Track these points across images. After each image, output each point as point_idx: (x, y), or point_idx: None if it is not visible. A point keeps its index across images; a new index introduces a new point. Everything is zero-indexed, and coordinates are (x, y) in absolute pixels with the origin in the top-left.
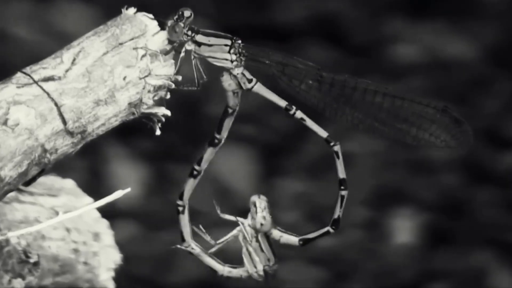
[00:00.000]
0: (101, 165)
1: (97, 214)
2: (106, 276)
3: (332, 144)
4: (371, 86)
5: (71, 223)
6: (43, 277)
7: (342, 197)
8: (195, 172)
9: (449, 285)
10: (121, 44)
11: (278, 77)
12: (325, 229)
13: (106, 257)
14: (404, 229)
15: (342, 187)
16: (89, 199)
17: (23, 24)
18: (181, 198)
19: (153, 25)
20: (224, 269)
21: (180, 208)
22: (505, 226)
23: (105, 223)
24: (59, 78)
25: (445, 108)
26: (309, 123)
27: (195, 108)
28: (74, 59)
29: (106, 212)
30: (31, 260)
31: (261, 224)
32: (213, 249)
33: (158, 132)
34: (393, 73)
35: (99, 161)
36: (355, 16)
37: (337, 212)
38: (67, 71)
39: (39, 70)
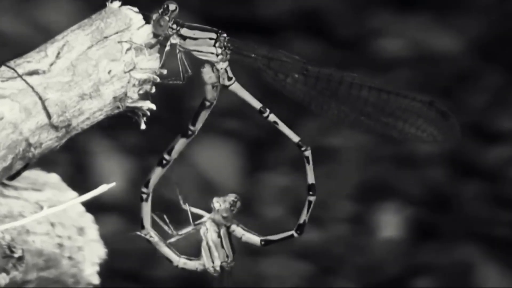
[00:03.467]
0: (85, 159)
1: (82, 209)
2: (90, 271)
3: (303, 149)
4: (357, 80)
5: (56, 218)
6: (28, 272)
7: (310, 202)
8: (164, 162)
9: (435, 280)
10: (105, 37)
11: (264, 70)
12: (290, 233)
13: (91, 252)
14: (390, 223)
15: (311, 193)
16: (73, 194)
17: (7, 18)
18: (146, 185)
19: (138, 18)
20: (179, 260)
21: (144, 196)
22: (491, 220)
23: (89, 217)
24: (44, 72)
25: (431, 101)
26: (282, 127)
27: (180, 102)
28: (58, 53)
29: (91, 206)
30: (16, 255)
31: (223, 217)
32: (172, 239)
33: (143, 126)
34: (379, 66)
35: (84, 156)
36: (340, 9)
37: (303, 217)
38: (51, 65)
39: (23, 64)
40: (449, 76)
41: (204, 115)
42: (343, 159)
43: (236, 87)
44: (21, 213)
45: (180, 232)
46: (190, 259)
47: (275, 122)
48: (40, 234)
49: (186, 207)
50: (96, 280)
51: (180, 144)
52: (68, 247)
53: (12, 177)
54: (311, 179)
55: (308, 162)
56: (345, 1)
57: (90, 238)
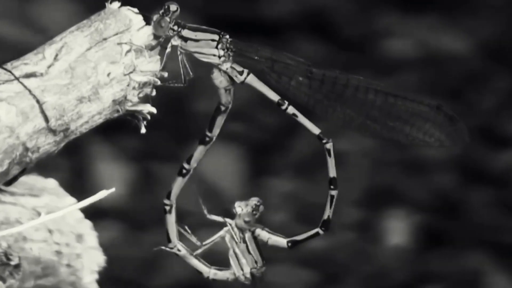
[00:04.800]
0: (84, 164)
1: (81, 215)
2: (89, 278)
3: (324, 141)
4: (363, 83)
5: (54, 224)
6: (25, 280)
7: (332, 197)
8: (184, 171)
9: None
10: (105, 39)
11: (267, 73)
12: (315, 231)
13: (90, 259)
14: (397, 230)
15: (332, 187)
16: (72, 200)
17: (4, 19)
18: (168, 197)
19: (138, 19)
20: (210, 271)
21: (167, 208)
22: (500, 227)
23: (88, 224)
24: (41, 74)
25: (439, 105)
26: (301, 119)
27: (182, 105)
28: (56, 55)
29: (90, 212)
30: (12, 263)
31: (245, 221)
32: (199, 251)
33: (143, 130)
34: (385, 68)
35: (83, 160)
36: (346, 9)
37: (327, 213)
38: (49, 67)
39: (21, 66)
40: (457, 78)
41: (220, 120)
42: (349, 164)
43: (252, 79)
44: (18, 220)
45: (205, 242)
46: (221, 269)
47: (294, 115)
48: (37, 241)
49: (210, 216)
50: None
51: (199, 151)
52: (66, 255)
53: (9, 183)
54: (332, 172)
55: (330, 155)
56: (351, 0)
57: (89, 245)
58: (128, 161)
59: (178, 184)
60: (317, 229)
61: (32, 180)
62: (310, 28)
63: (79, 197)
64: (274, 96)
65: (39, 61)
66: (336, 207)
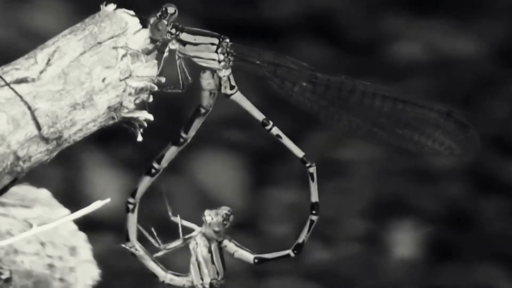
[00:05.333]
0: (78, 174)
1: (74, 227)
2: None
3: (307, 165)
4: (370, 88)
5: (46, 237)
6: None
7: (312, 222)
8: (153, 170)
9: None
10: (99, 43)
11: (270, 78)
12: (286, 252)
13: (84, 273)
14: (405, 242)
15: (314, 212)
16: (65, 211)
17: None
18: (133, 195)
19: (134, 22)
20: (166, 276)
21: (130, 206)
22: None
23: (82, 236)
24: (33, 80)
25: (449, 112)
26: (286, 141)
27: (180, 112)
28: (49, 60)
29: (84, 224)
30: (3, 277)
31: (215, 231)
32: (159, 253)
33: (140, 138)
34: (394, 73)
35: (76, 170)
36: (352, 11)
37: (302, 237)
38: (41, 72)
39: (11, 72)
40: (469, 83)
41: (198, 123)
42: (355, 173)
43: (238, 97)
44: (9, 232)
45: (168, 246)
46: (178, 275)
47: (278, 136)
48: (29, 254)
49: (175, 219)
50: None
51: (170, 152)
52: (59, 268)
53: None
54: (314, 197)
55: (313, 179)
56: (358, 2)
57: (82, 258)
58: (124, 171)
59: (145, 183)
60: (289, 251)
61: (23, 190)
62: (314, 31)
63: (73, 208)
64: (259, 115)
65: (30, 66)
66: (341, 218)
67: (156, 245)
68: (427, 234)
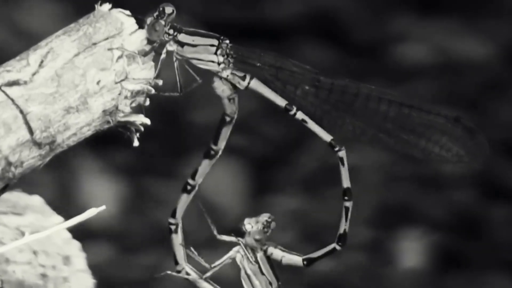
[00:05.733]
0: (72, 180)
1: (68, 235)
2: None
3: (337, 149)
4: (374, 92)
5: (39, 245)
6: None
7: (347, 208)
8: (189, 187)
9: None
10: (94, 44)
11: (271, 81)
12: (331, 246)
13: (78, 283)
14: (411, 251)
15: (346, 198)
16: (58, 218)
17: None
18: (173, 215)
19: (131, 23)
20: None
21: (173, 227)
22: None
23: (76, 245)
24: (25, 82)
25: (457, 117)
26: (311, 125)
27: (178, 116)
28: (41, 61)
29: (78, 232)
30: None
31: (256, 239)
32: (208, 273)
33: (136, 143)
34: (399, 76)
35: (70, 176)
36: (356, 12)
37: (343, 226)
38: (33, 74)
39: (3, 74)
40: (477, 86)
41: (226, 132)
42: (360, 180)
43: (256, 84)
44: (0, 240)
45: (214, 264)
46: None
47: (304, 120)
48: (21, 264)
49: (220, 237)
50: None
51: (204, 166)
52: (52, 278)
53: None
54: (346, 182)
55: (343, 164)
56: (362, 2)
57: (77, 267)
58: (120, 177)
59: (184, 201)
60: (334, 245)
61: (15, 197)
62: (317, 32)
63: (66, 215)
64: (281, 101)
65: (22, 68)
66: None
67: (204, 264)
68: (435, 243)
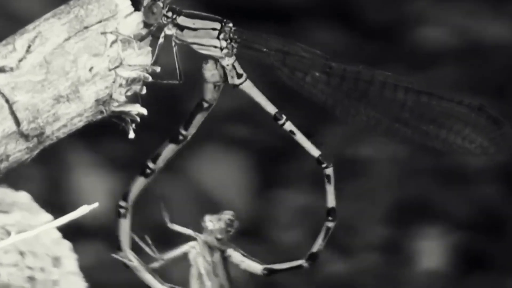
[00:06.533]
0: (62, 175)
1: (58, 235)
2: None
3: (324, 165)
4: (390, 79)
5: (26, 245)
6: None
7: (328, 229)
8: (148, 171)
9: None
10: (86, 27)
11: (278, 68)
12: (298, 263)
13: (68, 286)
14: (430, 252)
15: (330, 218)
16: (47, 216)
17: None
18: (125, 199)
19: (126, 4)
20: None
21: (122, 211)
22: None
23: (67, 245)
24: (11, 69)
25: (481, 106)
26: (300, 138)
27: (177, 105)
28: (29, 47)
29: (69, 232)
30: None
31: (217, 239)
32: (155, 264)
33: (131, 135)
34: (418, 62)
35: (60, 170)
36: None
37: (317, 246)
38: (20, 60)
39: None
40: (503, 72)
41: (199, 118)
42: (374, 174)
43: (248, 86)
44: None
45: (165, 256)
46: None
47: (292, 132)
48: (6, 265)
49: (172, 226)
50: None
51: (168, 150)
52: (41, 281)
53: None
54: (331, 202)
55: (329, 182)
56: None
57: (67, 270)
58: (114, 171)
59: (139, 185)
60: (301, 261)
61: (0, 193)
62: (328, 14)
63: (56, 213)
64: (271, 108)
65: (8, 54)
66: (359, 225)
67: (152, 255)
68: (456, 243)
